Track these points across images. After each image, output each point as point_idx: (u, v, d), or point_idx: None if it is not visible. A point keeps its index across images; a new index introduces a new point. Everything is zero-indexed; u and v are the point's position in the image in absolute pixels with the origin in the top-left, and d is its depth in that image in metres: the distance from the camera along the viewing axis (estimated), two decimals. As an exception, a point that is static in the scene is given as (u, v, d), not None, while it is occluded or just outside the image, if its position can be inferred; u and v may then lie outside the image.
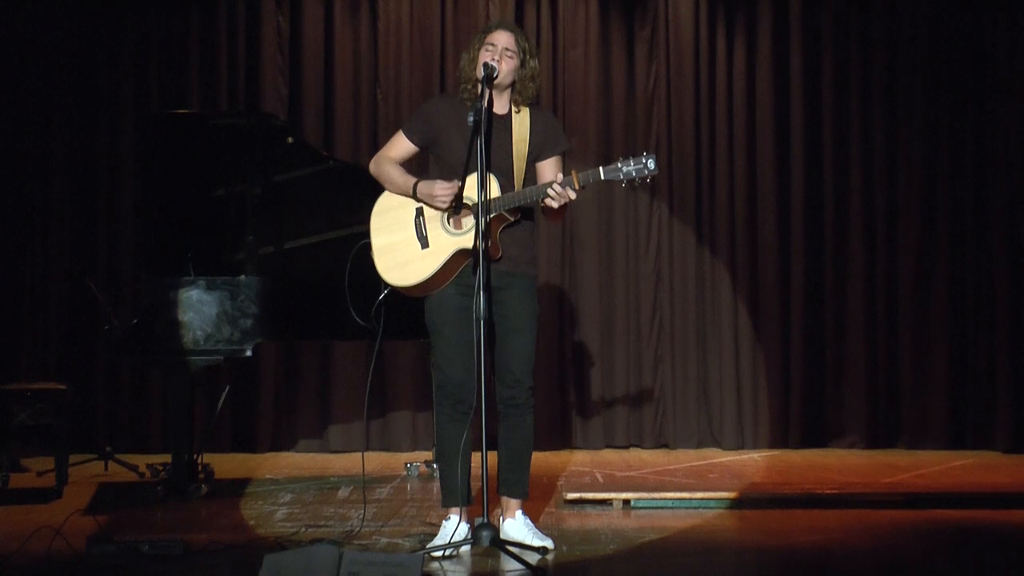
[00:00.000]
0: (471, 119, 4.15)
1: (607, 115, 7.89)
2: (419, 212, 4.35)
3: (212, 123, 6.24)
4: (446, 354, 4.38)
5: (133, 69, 7.73)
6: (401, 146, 4.48)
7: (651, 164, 4.21)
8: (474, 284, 4.22)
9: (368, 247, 4.43)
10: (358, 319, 4.65)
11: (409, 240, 4.35)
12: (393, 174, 4.42)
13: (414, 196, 4.34)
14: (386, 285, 4.42)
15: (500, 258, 4.32)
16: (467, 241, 4.27)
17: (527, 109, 4.44)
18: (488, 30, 4.43)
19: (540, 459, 6.99)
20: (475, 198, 4.18)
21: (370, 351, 7.56)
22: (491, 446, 4.20)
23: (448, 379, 4.39)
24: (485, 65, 4.27)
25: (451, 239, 4.30)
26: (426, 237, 4.34)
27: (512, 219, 4.33)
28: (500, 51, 4.33)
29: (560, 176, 4.26)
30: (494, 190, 4.24)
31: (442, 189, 4.26)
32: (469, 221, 4.28)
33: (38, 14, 7.65)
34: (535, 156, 4.41)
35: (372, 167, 4.50)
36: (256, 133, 5.97)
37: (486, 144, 4.19)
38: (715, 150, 7.87)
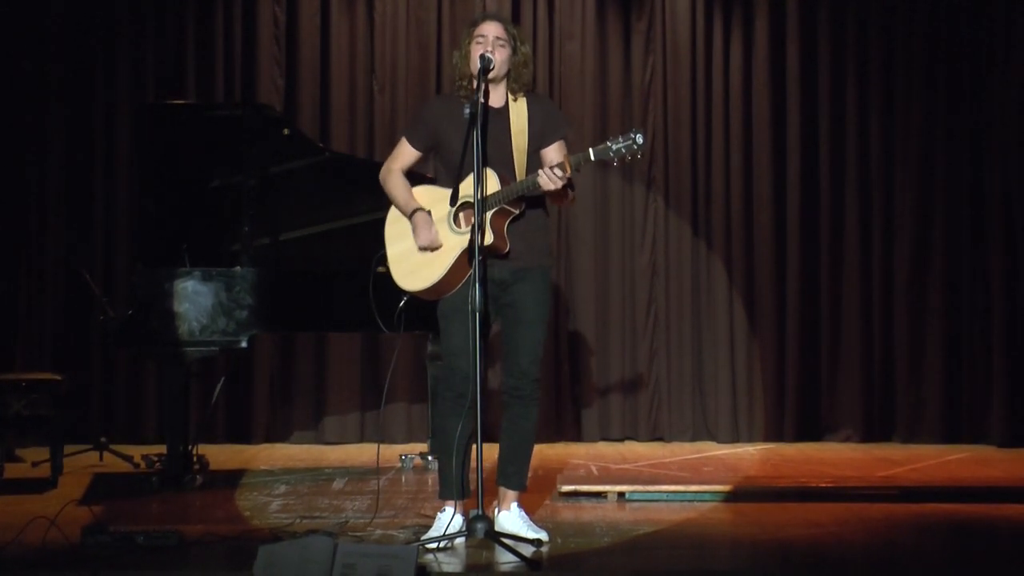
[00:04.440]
0: (467, 111, 4.14)
1: (603, 108, 7.88)
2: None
3: (208, 114, 6.23)
4: (456, 345, 4.35)
5: (129, 60, 7.71)
6: (406, 153, 4.48)
7: (639, 139, 4.12)
8: (485, 277, 4.26)
9: (384, 258, 4.47)
10: (382, 326, 4.74)
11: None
12: (396, 192, 4.43)
13: (410, 219, 4.36)
14: (404, 292, 4.46)
15: (508, 252, 4.30)
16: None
17: (524, 98, 4.41)
18: (475, 23, 4.41)
19: (535, 451, 6.95)
20: (471, 195, 4.18)
21: (366, 342, 7.64)
22: (486, 438, 4.20)
23: (454, 371, 4.36)
24: (481, 57, 4.25)
25: (458, 239, 4.29)
26: None
27: (516, 211, 4.31)
28: (491, 41, 4.31)
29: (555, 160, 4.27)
30: (492, 184, 4.22)
31: (425, 238, 4.29)
32: (473, 218, 4.27)
33: (32, 3, 7.62)
34: (536, 145, 4.39)
35: (381, 177, 4.49)
36: (252, 124, 5.95)
37: (483, 139, 4.17)
38: (711, 143, 7.87)
